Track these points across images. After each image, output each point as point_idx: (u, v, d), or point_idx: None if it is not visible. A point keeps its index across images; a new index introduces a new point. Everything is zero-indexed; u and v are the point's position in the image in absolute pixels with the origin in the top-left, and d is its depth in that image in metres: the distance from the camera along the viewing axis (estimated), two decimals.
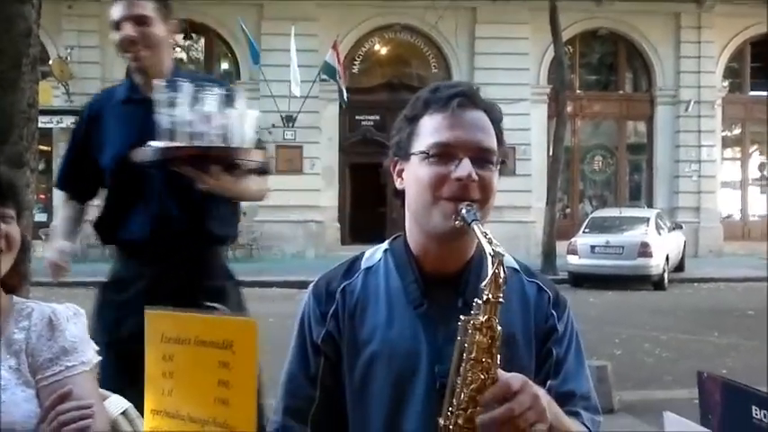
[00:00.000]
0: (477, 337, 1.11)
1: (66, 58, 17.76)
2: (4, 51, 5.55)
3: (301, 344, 1.38)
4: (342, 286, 1.38)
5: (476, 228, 1.21)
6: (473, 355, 1.11)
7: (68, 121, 16.85)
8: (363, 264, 1.42)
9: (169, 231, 2.33)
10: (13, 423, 1.40)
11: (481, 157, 1.30)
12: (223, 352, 0.89)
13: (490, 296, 1.13)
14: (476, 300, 1.15)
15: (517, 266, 1.42)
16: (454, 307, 1.29)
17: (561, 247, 14.59)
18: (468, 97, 1.33)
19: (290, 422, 1.35)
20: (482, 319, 1.12)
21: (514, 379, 1.11)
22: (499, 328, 1.13)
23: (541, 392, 1.14)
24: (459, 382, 1.12)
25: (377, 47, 19.55)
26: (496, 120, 1.35)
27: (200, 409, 0.90)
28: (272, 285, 12.76)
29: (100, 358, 1.53)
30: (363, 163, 18.78)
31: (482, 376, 1.10)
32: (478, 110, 1.33)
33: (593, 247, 13.65)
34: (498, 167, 1.33)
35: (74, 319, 1.52)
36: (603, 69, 20.56)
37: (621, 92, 20.38)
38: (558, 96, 15.88)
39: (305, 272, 13.51)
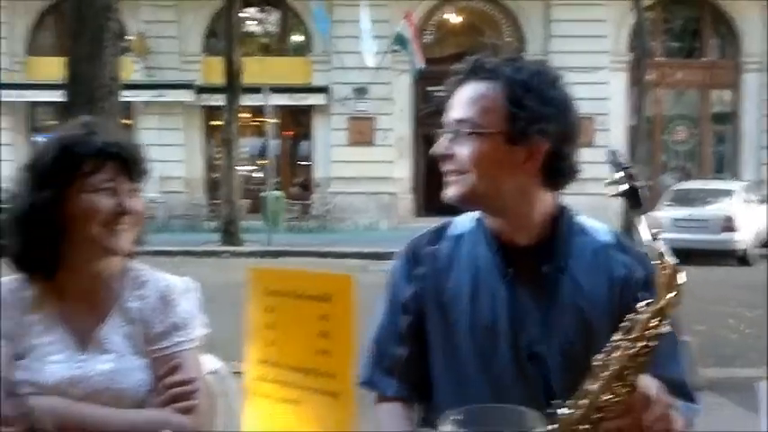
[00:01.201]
0: (635, 344, 1.09)
1: (144, 33, 18.16)
2: (87, 26, 5.72)
3: (390, 302, 1.45)
4: (430, 249, 1.43)
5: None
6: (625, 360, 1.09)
7: (148, 95, 17.34)
8: (453, 230, 1.45)
9: None
10: (126, 390, 1.42)
11: (456, 131, 1.34)
12: (322, 305, 0.93)
13: (660, 304, 1.09)
14: (644, 302, 1.11)
15: (611, 239, 1.40)
16: (538, 277, 1.33)
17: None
18: (469, 72, 1.36)
19: (379, 376, 1.42)
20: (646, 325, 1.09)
21: (652, 388, 1.10)
22: (656, 343, 1.09)
23: (671, 400, 1.14)
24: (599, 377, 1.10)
25: (449, 16, 19.25)
26: (510, 83, 1.32)
27: (302, 359, 0.95)
28: (346, 256, 12.86)
29: (207, 332, 1.55)
30: (437, 134, 18.64)
31: (624, 388, 1.09)
32: (479, 81, 1.34)
33: (675, 220, 13.20)
34: (497, 133, 1.31)
35: (186, 294, 1.53)
36: (686, 36, 19.69)
37: (705, 59, 19.47)
38: (639, 64, 15.30)
39: (378, 243, 13.57)
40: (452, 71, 1.40)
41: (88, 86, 5.51)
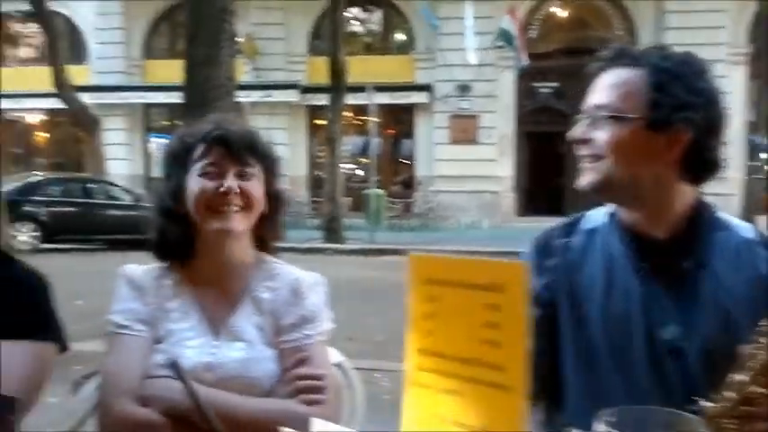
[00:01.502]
0: None
1: (253, 35, 18.72)
2: (204, 29, 5.94)
3: None
4: (562, 242, 1.41)
5: None
6: None
7: (256, 96, 17.86)
8: (585, 224, 1.42)
9: None
10: (255, 379, 1.44)
11: (594, 115, 1.31)
12: (491, 294, 0.90)
13: None
14: None
15: (754, 236, 1.35)
16: (676, 272, 1.30)
17: (763, 222, 13.35)
18: (612, 58, 1.33)
19: None
20: None
21: None
22: None
23: None
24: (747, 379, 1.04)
25: (556, 10, 18.83)
26: (655, 70, 1.28)
27: (467, 349, 0.92)
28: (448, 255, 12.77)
29: (334, 326, 1.55)
30: (541, 132, 18.27)
31: None
32: (623, 67, 1.32)
33: None
34: (626, 119, 1.28)
35: (315, 288, 1.54)
36: None
37: None
38: (759, 57, 14.44)
39: (480, 242, 13.45)
40: (594, 57, 1.37)
41: (205, 88, 5.73)
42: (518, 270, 0.86)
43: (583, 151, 1.32)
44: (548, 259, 1.40)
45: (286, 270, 1.56)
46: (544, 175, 17.57)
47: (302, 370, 1.42)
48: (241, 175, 1.48)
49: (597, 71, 1.35)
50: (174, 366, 1.27)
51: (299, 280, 1.53)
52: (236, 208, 1.46)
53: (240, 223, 1.48)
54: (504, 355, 0.87)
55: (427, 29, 18.00)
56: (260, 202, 1.51)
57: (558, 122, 18.13)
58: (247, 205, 1.48)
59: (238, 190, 1.46)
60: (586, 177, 1.32)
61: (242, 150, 1.49)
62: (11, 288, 1.47)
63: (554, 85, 18.04)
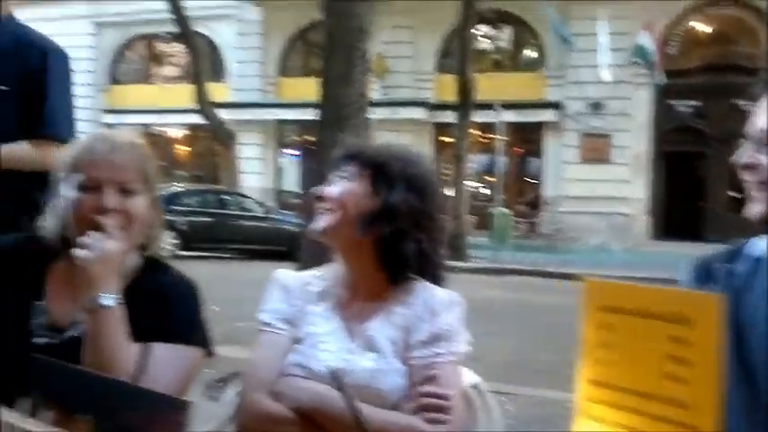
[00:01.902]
0: None
1: (383, 54, 19.00)
2: (340, 47, 6.08)
3: None
4: (725, 267, 1.33)
5: None
6: None
7: (384, 113, 18.07)
8: (751, 251, 1.33)
9: None
10: (383, 391, 1.45)
11: (763, 139, 1.21)
12: (677, 326, 0.83)
13: None
14: None
15: None
16: None
17: None
18: None
19: None
20: None
21: None
22: None
23: None
24: None
25: (697, 24, 17.91)
26: None
27: (646, 383, 0.86)
28: (575, 278, 12.34)
29: (469, 349, 1.53)
30: (679, 152, 17.37)
31: None
32: None
33: None
34: None
35: (451, 307, 1.53)
36: None
37: None
38: None
39: (610, 266, 12.91)
40: (759, 78, 1.30)
41: (339, 105, 5.84)
42: (713, 303, 0.79)
43: (749, 178, 1.24)
44: (708, 285, 1.32)
45: (423, 286, 1.56)
46: (682, 198, 16.68)
47: (429, 388, 1.41)
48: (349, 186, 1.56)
49: (761, 92, 1.26)
50: (335, 376, 1.31)
51: (436, 297, 1.53)
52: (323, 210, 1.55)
53: (325, 224, 1.55)
54: (692, 393, 0.80)
55: (558, 45, 17.59)
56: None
57: (699, 143, 17.21)
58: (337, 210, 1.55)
59: (328, 196, 1.56)
60: (755, 206, 1.23)
61: (373, 169, 1.56)
62: (164, 293, 1.54)
63: (694, 103, 17.12)
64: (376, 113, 17.46)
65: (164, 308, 1.51)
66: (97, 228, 1.44)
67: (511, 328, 7.32)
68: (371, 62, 19.44)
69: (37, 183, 2.19)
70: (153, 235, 1.59)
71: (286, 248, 14.12)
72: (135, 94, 22.60)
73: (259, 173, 20.56)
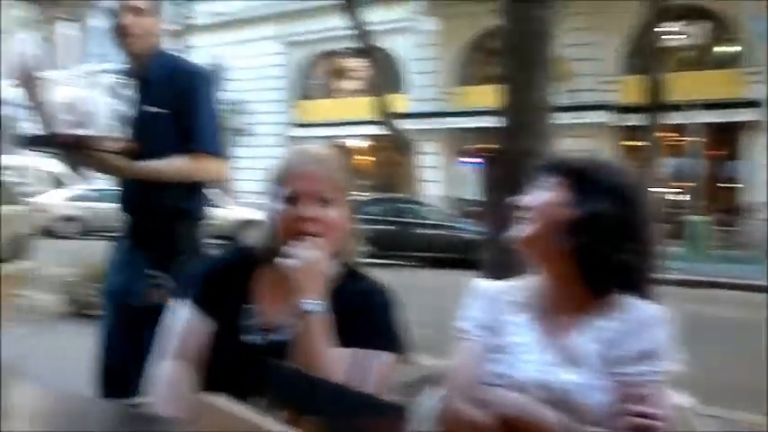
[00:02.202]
0: None
1: (566, 57, 18.46)
2: (520, 51, 5.95)
3: None
4: None
5: None
6: None
7: (567, 118, 17.53)
8: None
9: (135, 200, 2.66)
10: (584, 406, 1.42)
11: None
12: None
13: None
14: None
15: None
16: None
17: None
18: None
19: None
20: None
21: None
22: None
23: None
24: None
25: None
26: None
27: None
28: None
29: (678, 369, 1.45)
30: None
31: None
32: None
33: None
34: None
35: (660, 324, 1.47)
36: None
37: None
38: None
39: None
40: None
41: (522, 111, 5.71)
42: None
43: None
44: None
45: (629, 300, 1.50)
46: None
47: (639, 407, 1.36)
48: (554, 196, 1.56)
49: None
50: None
51: (643, 312, 1.47)
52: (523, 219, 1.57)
53: (521, 234, 1.58)
54: None
55: (757, 40, 16.12)
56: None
57: None
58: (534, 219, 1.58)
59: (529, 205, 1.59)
60: None
61: (574, 179, 1.54)
62: (362, 300, 1.60)
63: None
64: (560, 118, 17.04)
65: (362, 314, 1.57)
66: (300, 237, 1.53)
67: (711, 345, 6.78)
68: (554, 66, 18.98)
69: (189, 191, 2.65)
70: (349, 243, 1.66)
71: (464, 256, 14.11)
72: (320, 108, 23.72)
73: (437, 181, 20.74)
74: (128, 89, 2.43)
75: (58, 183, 20.33)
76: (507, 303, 1.59)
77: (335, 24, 20.48)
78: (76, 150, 2.51)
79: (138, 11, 2.64)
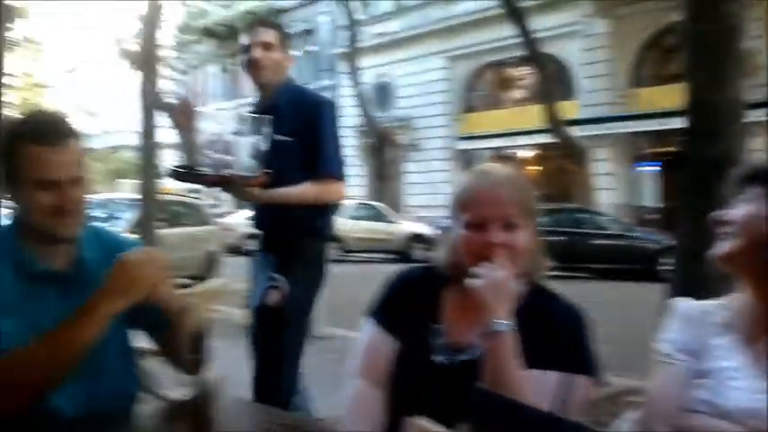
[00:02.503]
0: None
1: (755, 50, 17.06)
2: (707, 47, 5.53)
3: None
4: None
5: None
6: None
7: (758, 116, 16.17)
8: None
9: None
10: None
11: None
12: None
13: None
14: None
15: None
16: None
17: None
18: None
19: None
20: None
21: None
22: None
23: None
24: None
25: None
26: None
27: None
28: None
29: None
30: None
31: None
32: None
33: None
34: None
35: None
36: None
37: None
38: None
39: None
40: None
41: (711, 111, 5.29)
42: None
43: None
44: None
45: None
46: None
47: None
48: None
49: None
50: None
51: None
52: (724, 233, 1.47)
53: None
54: None
55: None
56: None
57: None
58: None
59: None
60: None
61: None
62: (553, 320, 1.55)
63: None
64: (752, 116, 15.72)
65: (554, 335, 1.52)
66: (486, 259, 1.51)
67: None
68: (744, 61, 17.63)
69: (316, 210, 2.86)
70: (536, 263, 1.62)
71: (643, 267, 13.37)
72: (486, 119, 23.60)
73: (612, 188, 19.86)
74: (259, 120, 2.62)
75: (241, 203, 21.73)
76: (711, 325, 1.50)
77: (500, 35, 20.36)
78: (217, 184, 2.79)
79: (267, 45, 2.87)
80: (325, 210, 2.95)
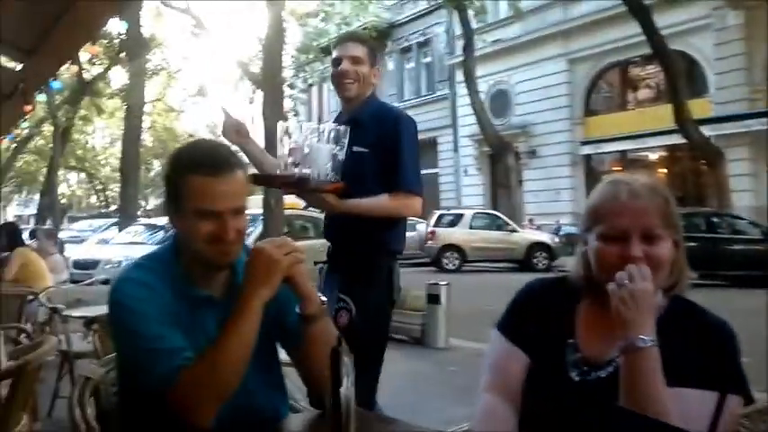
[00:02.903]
0: None
1: None
2: None
3: None
4: None
5: None
6: None
7: None
8: None
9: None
10: None
11: None
12: None
13: None
14: None
15: None
16: None
17: None
18: None
19: None
20: None
21: None
22: None
23: None
24: None
25: None
26: None
27: None
28: None
29: None
30: None
31: None
32: None
33: None
34: None
35: None
36: None
37: None
38: None
39: None
40: None
41: None
42: None
43: None
44: None
45: None
46: None
47: None
48: None
49: None
50: None
51: None
52: None
53: None
54: None
55: None
56: None
57: None
58: None
59: None
60: None
61: None
62: (699, 337, 1.46)
63: None
64: None
65: (701, 351, 1.43)
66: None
67: None
68: None
69: (388, 224, 2.85)
70: (679, 276, 1.53)
71: None
72: (609, 122, 22.77)
73: (751, 190, 18.60)
74: (338, 131, 2.59)
75: None
76: None
77: (622, 34, 19.62)
78: (295, 190, 2.75)
79: (356, 59, 2.90)
80: (398, 225, 2.92)
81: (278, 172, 2.62)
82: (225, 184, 1.59)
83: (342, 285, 2.82)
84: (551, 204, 23.26)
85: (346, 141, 2.58)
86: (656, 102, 21.12)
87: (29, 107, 5.84)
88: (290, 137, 2.52)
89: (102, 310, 4.50)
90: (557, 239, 19.62)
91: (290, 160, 2.51)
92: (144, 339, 1.53)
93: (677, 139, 16.92)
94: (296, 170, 2.50)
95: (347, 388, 1.20)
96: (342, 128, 2.60)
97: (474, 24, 22.31)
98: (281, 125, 2.62)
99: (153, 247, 1.86)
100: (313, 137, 2.51)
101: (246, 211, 1.66)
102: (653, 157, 22.22)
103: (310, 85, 31.31)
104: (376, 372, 2.83)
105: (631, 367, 1.38)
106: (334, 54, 2.96)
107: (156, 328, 1.54)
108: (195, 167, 1.59)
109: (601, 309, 1.48)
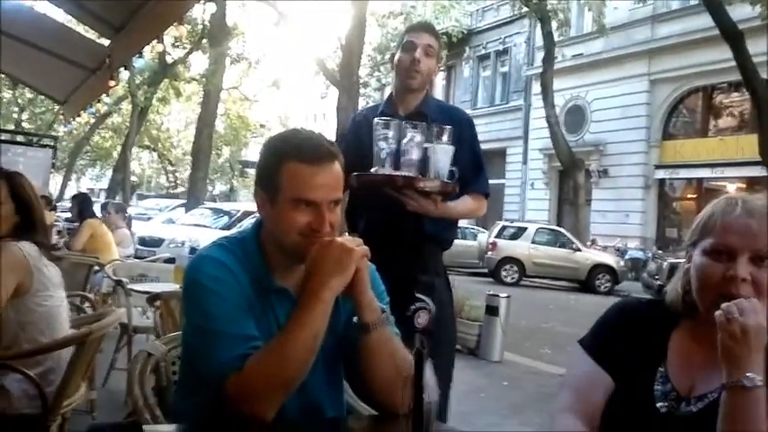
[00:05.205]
0: None
1: None
2: None
3: None
4: None
5: None
6: None
7: None
8: None
9: (391, 228, 2.61)
10: None
11: None
12: None
13: None
14: None
15: None
16: None
17: None
18: None
19: None
20: None
21: None
22: None
23: None
24: None
25: None
26: None
27: None
28: None
29: None
30: None
31: None
32: None
33: None
34: None
35: None
36: None
37: None
38: None
39: None
40: None
41: None
42: None
43: None
44: None
45: None
46: None
47: None
48: None
49: None
50: None
51: None
52: None
53: None
54: None
55: None
56: None
57: None
58: None
59: None
60: None
61: None
62: None
63: None
64: None
65: None
66: (727, 297, 1.32)
67: None
68: None
69: (451, 228, 2.78)
70: None
71: None
72: (687, 147, 22.07)
73: None
74: (422, 128, 2.42)
75: None
76: None
77: (709, 58, 18.98)
78: (397, 189, 2.49)
79: (429, 51, 2.76)
80: (456, 226, 2.90)
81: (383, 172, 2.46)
82: (325, 173, 1.54)
83: (411, 286, 2.62)
84: (619, 227, 22.67)
85: (422, 139, 2.43)
86: (738, 131, 20.38)
87: (112, 82, 5.96)
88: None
89: (165, 287, 4.58)
90: (621, 263, 19.10)
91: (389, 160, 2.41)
92: (215, 320, 1.48)
93: (758, 172, 16.24)
94: (391, 170, 2.40)
95: (429, 395, 1.12)
96: (422, 124, 2.49)
97: (556, 37, 21.93)
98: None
99: (217, 232, 1.80)
100: (405, 133, 2.40)
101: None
102: (731, 187, 21.41)
103: (384, 85, 31.38)
104: (450, 378, 2.71)
105: (734, 407, 1.27)
106: (408, 38, 2.79)
107: (230, 311, 1.49)
108: (296, 155, 1.53)
109: (696, 337, 1.40)
